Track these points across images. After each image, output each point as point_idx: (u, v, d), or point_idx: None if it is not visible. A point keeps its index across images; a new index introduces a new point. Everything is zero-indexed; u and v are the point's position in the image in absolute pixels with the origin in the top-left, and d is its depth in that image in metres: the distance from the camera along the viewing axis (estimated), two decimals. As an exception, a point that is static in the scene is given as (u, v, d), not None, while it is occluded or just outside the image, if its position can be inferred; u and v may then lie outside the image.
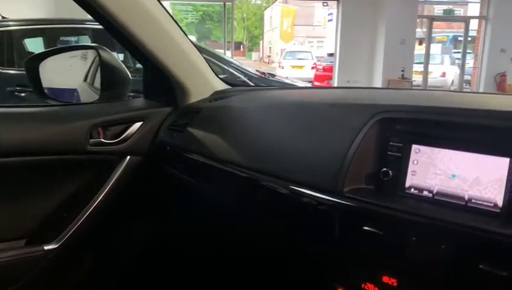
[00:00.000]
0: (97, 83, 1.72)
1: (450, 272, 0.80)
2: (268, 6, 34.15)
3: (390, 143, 0.98)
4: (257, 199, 1.17)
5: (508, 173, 0.82)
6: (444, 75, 16.10)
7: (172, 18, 1.50)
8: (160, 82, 1.63)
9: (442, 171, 0.91)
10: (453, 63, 16.71)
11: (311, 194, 1.00)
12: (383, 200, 0.91)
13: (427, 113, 0.94)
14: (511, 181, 0.81)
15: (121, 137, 1.56)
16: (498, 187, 0.83)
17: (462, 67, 14.02)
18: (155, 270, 1.73)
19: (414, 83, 12.70)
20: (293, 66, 18.63)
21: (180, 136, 1.49)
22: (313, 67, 17.38)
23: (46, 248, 1.46)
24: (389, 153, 0.98)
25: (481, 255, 0.76)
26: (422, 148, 0.94)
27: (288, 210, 1.08)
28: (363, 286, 0.92)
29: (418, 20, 13.34)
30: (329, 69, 14.71)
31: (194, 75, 1.63)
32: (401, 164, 0.96)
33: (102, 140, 1.54)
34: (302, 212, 1.04)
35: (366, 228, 0.90)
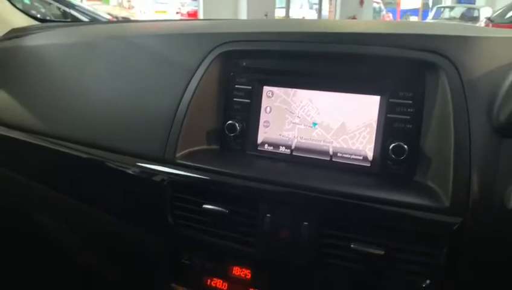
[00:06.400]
0: None
1: (315, 254, 0.60)
2: None
3: (236, 86, 0.72)
4: (66, 176, 0.83)
5: (379, 115, 0.63)
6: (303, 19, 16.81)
7: None
8: None
9: (301, 119, 0.69)
10: (311, 8, 17.53)
11: (136, 166, 0.71)
12: (227, 164, 0.66)
13: (279, 41, 0.69)
14: (383, 126, 0.63)
15: None
16: (367, 135, 0.64)
17: (319, 11, 14.75)
18: None
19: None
20: (156, 11, 17.38)
21: None
22: (177, 12, 16.51)
23: None
24: (235, 99, 0.72)
25: (352, 230, 0.58)
26: (276, 90, 0.70)
27: (108, 191, 0.76)
28: (209, 282, 0.68)
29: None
30: (194, 13, 14.07)
31: None
32: (251, 113, 0.71)
33: None
34: (127, 193, 0.74)
35: (206, 206, 0.64)
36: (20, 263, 1.11)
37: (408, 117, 0.61)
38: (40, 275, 1.10)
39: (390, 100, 0.62)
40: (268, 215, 0.60)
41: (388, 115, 0.62)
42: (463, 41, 0.59)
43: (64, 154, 0.78)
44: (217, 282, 0.67)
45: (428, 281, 0.55)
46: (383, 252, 0.54)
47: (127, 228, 0.76)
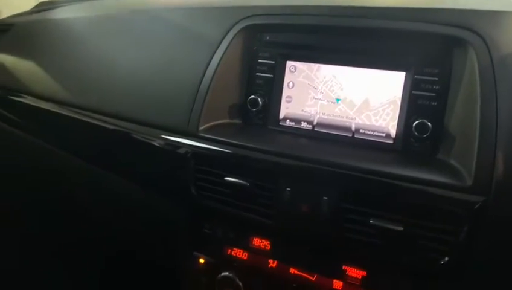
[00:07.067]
0: None
1: (333, 228, 0.60)
2: None
3: (259, 61, 0.72)
4: (94, 146, 0.86)
5: (403, 92, 0.63)
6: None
7: None
8: None
9: (324, 95, 0.68)
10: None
11: (161, 138, 0.72)
12: (249, 138, 0.67)
13: (304, 15, 0.68)
14: (407, 103, 0.62)
15: None
16: (391, 111, 0.64)
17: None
18: None
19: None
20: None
21: None
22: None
23: None
24: (258, 74, 0.72)
25: (372, 206, 0.58)
26: (299, 65, 0.70)
27: (134, 162, 0.79)
28: (229, 252, 0.71)
29: None
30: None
31: None
32: (273, 88, 0.72)
33: None
34: (151, 164, 0.77)
35: (228, 178, 0.66)
36: (48, 229, 1.16)
37: (433, 94, 0.60)
38: (66, 241, 1.16)
39: (416, 77, 0.61)
40: (288, 189, 0.61)
41: (413, 92, 0.61)
42: (494, 16, 0.57)
43: (92, 126, 0.81)
44: (237, 252, 0.70)
45: (446, 259, 0.55)
46: (401, 228, 0.55)
47: (152, 198, 0.78)
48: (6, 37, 1.06)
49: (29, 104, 0.94)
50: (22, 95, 0.95)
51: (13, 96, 0.97)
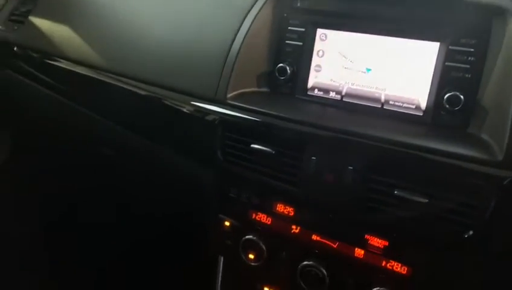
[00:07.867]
0: None
1: (357, 198, 0.61)
2: None
3: (289, 28, 0.72)
4: (120, 107, 0.88)
5: (436, 63, 0.61)
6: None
7: None
8: None
9: (354, 64, 0.67)
10: None
11: (190, 104, 0.74)
12: (277, 107, 0.67)
13: None
14: (439, 74, 0.61)
15: None
16: (422, 83, 0.62)
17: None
18: None
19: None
20: None
21: (21, 28, 1.08)
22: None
23: None
24: (287, 42, 0.72)
25: (398, 177, 0.58)
26: (330, 33, 0.69)
27: (164, 127, 0.81)
28: (253, 216, 0.73)
29: None
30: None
31: None
32: (303, 57, 0.71)
33: None
34: (181, 130, 0.79)
35: (254, 146, 0.67)
36: (78, 189, 1.22)
37: (468, 66, 0.58)
38: (95, 202, 1.21)
39: (450, 47, 0.59)
40: (314, 158, 0.62)
41: (446, 63, 0.60)
42: None
43: (124, 90, 0.83)
44: (261, 216, 0.72)
45: (471, 232, 0.55)
46: (427, 200, 0.55)
47: (181, 163, 0.81)
48: (42, 1, 1.08)
49: (64, 68, 0.97)
50: (58, 59, 0.98)
51: (49, 60, 1.00)
